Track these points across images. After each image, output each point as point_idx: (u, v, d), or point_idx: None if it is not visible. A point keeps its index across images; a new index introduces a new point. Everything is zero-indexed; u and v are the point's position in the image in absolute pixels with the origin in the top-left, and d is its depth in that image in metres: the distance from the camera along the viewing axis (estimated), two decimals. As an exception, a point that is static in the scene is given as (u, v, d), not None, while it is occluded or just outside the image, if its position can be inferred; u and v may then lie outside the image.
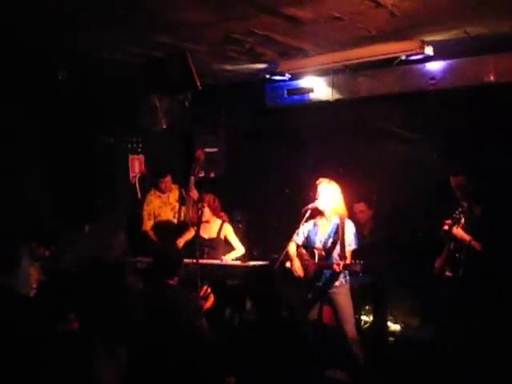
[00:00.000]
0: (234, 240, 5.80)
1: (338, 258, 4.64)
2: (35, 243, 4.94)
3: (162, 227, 6.33)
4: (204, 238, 5.70)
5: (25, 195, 5.64)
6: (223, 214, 5.92)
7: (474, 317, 4.57)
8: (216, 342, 3.74)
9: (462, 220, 4.68)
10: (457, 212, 4.73)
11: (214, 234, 5.76)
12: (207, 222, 5.71)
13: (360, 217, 5.88)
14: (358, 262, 4.53)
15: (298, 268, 4.81)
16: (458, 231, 4.68)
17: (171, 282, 4.06)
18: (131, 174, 7.07)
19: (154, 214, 6.39)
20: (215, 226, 5.78)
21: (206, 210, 5.63)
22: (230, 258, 5.59)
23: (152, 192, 6.49)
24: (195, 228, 5.53)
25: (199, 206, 5.61)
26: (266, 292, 3.34)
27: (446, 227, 4.73)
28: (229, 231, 5.81)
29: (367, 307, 6.20)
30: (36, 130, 5.86)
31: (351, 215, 5.08)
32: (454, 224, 4.70)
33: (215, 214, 5.76)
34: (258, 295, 3.46)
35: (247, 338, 3.32)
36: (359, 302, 5.72)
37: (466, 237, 4.62)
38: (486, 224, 4.55)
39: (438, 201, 5.36)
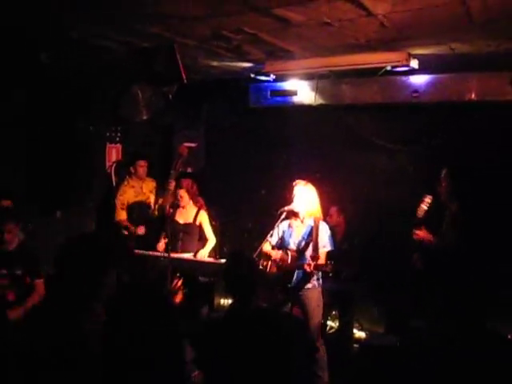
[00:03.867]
0: (208, 228, 5.78)
1: (310, 259, 4.66)
2: None
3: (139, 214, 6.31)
4: (179, 223, 5.68)
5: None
6: (200, 198, 5.88)
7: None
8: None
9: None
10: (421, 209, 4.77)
11: (189, 220, 5.72)
12: (183, 207, 5.68)
13: (330, 220, 5.93)
14: (329, 262, 4.56)
15: (270, 268, 4.82)
16: (420, 233, 4.77)
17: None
18: (107, 163, 7.01)
19: (128, 203, 6.35)
20: (191, 212, 5.75)
21: (185, 195, 5.60)
22: (204, 254, 5.56)
23: (126, 182, 6.45)
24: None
25: (177, 191, 5.59)
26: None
27: (420, 213, 4.80)
28: (204, 219, 5.77)
29: (334, 312, 6.24)
30: (15, 112, 5.76)
31: (325, 218, 5.12)
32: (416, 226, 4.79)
33: (193, 198, 5.72)
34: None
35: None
36: (327, 307, 5.75)
37: (430, 238, 4.72)
38: (459, 219, 4.61)
39: (412, 211, 5.42)
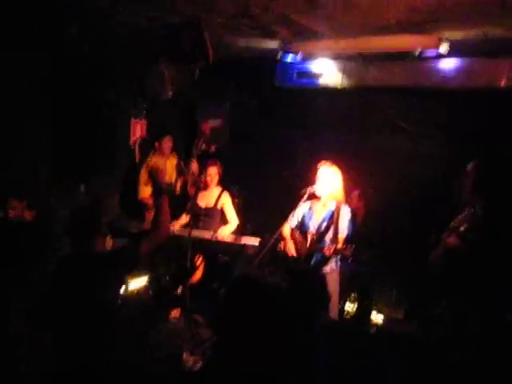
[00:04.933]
0: (231, 211, 5.71)
1: (329, 242, 4.64)
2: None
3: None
4: (200, 207, 5.65)
5: (25, 148, 5.60)
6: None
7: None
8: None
9: (462, 228, 4.58)
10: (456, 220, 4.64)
11: (211, 203, 5.68)
12: (207, 188, 5.66)
13: (350, 204, 5.88)
14: (349, 246, 4.52)
15: (290, 249, 4.82)
16: (449, 240, 4.66)
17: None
18: (132, 138, 7.04)
19: (152, 180, 6.38)
20: (214, 194, 5.71)
21: (215, 177, 5.60)
22: (225, 233, 5.51)
23: (149, 159, 6.46)
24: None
25: (204, 174, 5.57)
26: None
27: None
28: (227, 201, 5.72)
29: (353, 295, 6.23)
30: (43, 82, 5.79)
31: (346, 201, 5.09)
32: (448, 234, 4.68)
33: (219, 180, 5.70)
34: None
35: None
36: (346, 289, 5.75)
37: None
38: (485, 222, 4.49)
39: (437, 197, 5.35)
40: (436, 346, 4.42)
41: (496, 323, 4.43)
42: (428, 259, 4.86)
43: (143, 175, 6.41)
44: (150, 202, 6.33)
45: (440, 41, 4.92)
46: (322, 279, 4.73)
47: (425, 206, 5.61)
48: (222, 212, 5.71)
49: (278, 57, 6.11)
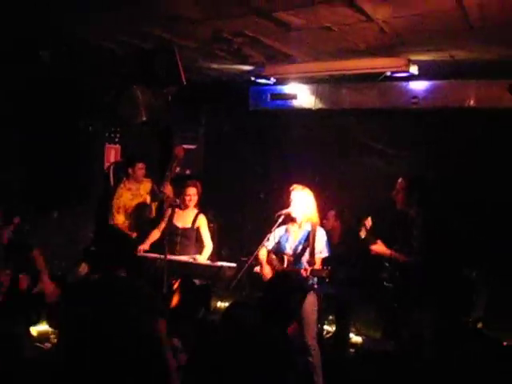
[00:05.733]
0: (206, 233, 5.72)
1: (306, 264, 4.65)
2: None
3: (137, 218, 6.28)
4: (177, 227, 5.64)
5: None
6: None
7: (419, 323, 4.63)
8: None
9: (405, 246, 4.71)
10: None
11: (188, 224, 5.66)
12: (185, 209, 5.64)
13: (327, 224, 5.93)
14: (325, 267, 4.54)
15: (267, 273, 4.80)
16: (376, 248, 4.78)
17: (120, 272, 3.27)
18: (106, 163, 6.99)
19: (125, 206, 6.31)
20: (191, 215, 5.69)
21: (195, 197, 5.61)
22: (202, 258, 5.50)
23: (122, 185, 6.38)
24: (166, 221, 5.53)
25: (183, 195, 5.57)
26: None
27: (362, 235, 4.84)
28: (203, 223, 5.72)
29: (330, 317, 6.23)
30: (14, 110, 5.74)
31: (322, 222, 5.12)
32: (369, 240, 4.81)
33: (197, 201, 5.70)
34: None
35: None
36: (323, 311, 5.75)
37: (386, 251, 4.70)
38: (418, 225, 4.60)
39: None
40: (413, 363, 4.45)
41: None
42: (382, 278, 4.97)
43: (116, 202, 6.34)
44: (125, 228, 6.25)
45: (409, 62, 5.04)
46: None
47: (395, 226, 5.69)
48: (197, 232, 5.70)
49: (252, 80, 6.18)
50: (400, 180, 4.74)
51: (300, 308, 4.65)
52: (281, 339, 3.04)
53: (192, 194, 5.61)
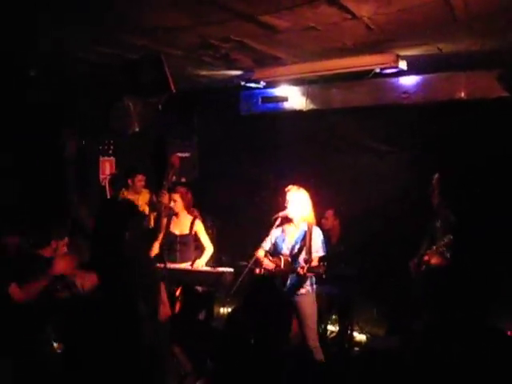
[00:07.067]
0: (204, 237, 5.74)
1: (303, 263, 4.66)
2: None
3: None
4: (175, 234, 5.65)
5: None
6: (194, 209, 5.84)
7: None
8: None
9: (441, 248, 4.69)
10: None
11: (185, 230, 5.67)
12: (177, 215, 5.66)
13: (326, 223, 5.93)
14: (321, 264, 4.56)
15: (268, 265, 4.83)
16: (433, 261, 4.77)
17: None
18: (101, 176, 6.98)
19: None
20: (187, 222, 5.70)
21: (179, 200, 5.59)
22: (201, 263, 5.53)
23: (121, 195, 6.40)
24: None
25: (171, 195, 5.57)
26: None
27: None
28: (200, 228, 5.74)
29: (333, 317, 6.22)
30: (5, 128, 5.74)
31: (319, 221, 5.12)
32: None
33: (187, 207, 5.69)
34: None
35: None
36: (326, 311, 5.74)
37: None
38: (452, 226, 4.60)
39: (406, 211, 5.44)
40: (418, 361, 4.41)
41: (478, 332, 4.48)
42: (409, 278, 4.94)
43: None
44: None
45: (398, 58, 5.04)
46: (297, 302, 4.73)
47: (391, 222, 5.70)
48: (196, 238, 5.72)
49: (242, 84, 6.18)
50: (436, 176, 4.72)
51: (299, 308, 4.69)
52: None
53: (176, 198, 5.61)
